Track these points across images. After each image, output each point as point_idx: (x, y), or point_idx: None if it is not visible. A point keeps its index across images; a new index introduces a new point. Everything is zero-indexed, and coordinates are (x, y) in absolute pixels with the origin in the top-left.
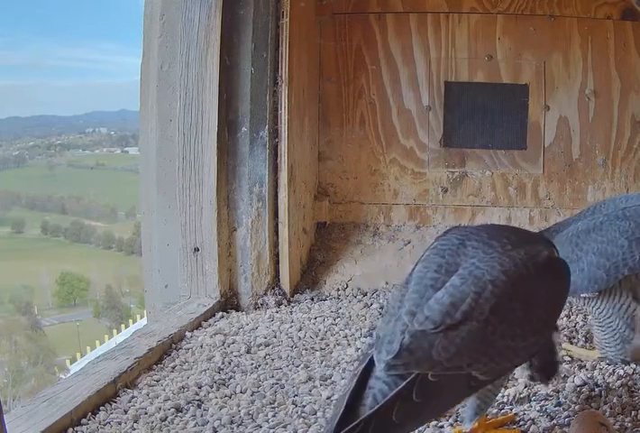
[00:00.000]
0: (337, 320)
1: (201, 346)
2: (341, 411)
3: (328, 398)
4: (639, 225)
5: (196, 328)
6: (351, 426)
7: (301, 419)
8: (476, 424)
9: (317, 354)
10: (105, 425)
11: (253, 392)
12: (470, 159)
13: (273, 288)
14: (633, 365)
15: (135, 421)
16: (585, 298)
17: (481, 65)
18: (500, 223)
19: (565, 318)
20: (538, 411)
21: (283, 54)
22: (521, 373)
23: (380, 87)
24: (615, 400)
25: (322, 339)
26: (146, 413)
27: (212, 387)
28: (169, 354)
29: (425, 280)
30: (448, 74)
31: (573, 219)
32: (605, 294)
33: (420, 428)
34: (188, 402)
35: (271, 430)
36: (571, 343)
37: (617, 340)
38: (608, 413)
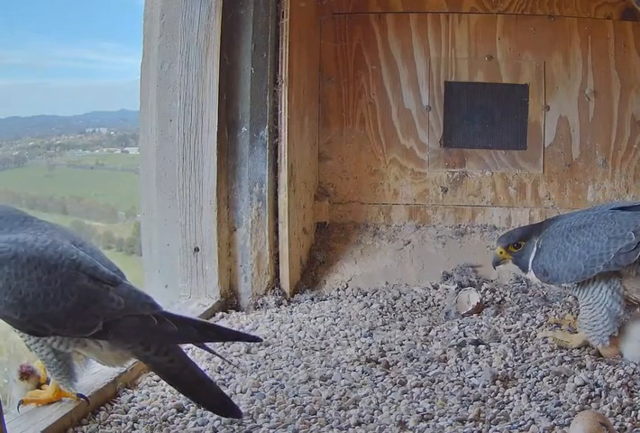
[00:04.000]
0: (337, 320)
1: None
2: None
3: (328, 398)
4: (621, 226)
5: None
6: None
7: (301, 418)
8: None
9: (317, 354)
10: (105, 425)
11: (253, 392)
12: (471, 159)
13: (273, 288)
14: (633, 365)
15: (135, 421)
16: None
17: (481, 65)
18: (501, 223)
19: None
20: (538, 411)
21: (283, 54)
22: None
23: (380, 87)
24: (615, 400)
25: (322, 339)
26: (146, 413)
27: None
28: None
29: None
30: (448, 74)
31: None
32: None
33: (420, 426)
34: (189, 402)
35: (271, 430)
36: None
37: (605, 315)
38: (607, 413)
